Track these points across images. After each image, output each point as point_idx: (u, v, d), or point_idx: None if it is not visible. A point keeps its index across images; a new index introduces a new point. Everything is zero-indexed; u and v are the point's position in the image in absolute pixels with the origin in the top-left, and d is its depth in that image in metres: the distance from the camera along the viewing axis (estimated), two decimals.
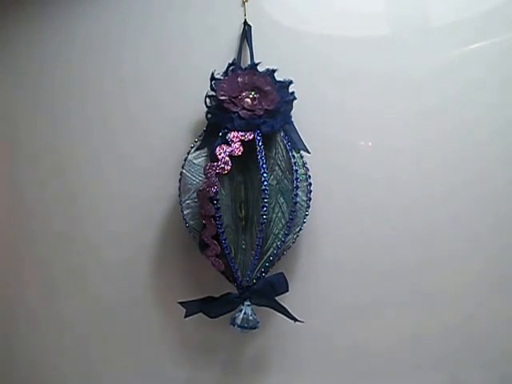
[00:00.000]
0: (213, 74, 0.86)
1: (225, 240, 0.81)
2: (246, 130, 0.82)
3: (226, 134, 0.82)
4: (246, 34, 0.91)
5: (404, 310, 0.88)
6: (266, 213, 0.80)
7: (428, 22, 0.91)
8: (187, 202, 0.84)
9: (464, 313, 0.87)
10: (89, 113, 1.01)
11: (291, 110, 0.86)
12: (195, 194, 0.82)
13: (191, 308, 0.85)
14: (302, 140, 0.86)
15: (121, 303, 0.96)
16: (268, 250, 0.82)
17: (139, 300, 0.95)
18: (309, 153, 0.85)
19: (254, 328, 0.82)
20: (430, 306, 0.87)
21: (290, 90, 0.86)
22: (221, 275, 0.84)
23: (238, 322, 0.81)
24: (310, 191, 0.84)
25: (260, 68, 0.87)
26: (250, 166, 0.84)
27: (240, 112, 0.83)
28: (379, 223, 0.89)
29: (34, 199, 1.03)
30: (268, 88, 0.84)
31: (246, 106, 0.83)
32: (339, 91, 0.91)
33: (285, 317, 0.84)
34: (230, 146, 0.81)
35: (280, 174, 0.83)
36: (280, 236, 0.82)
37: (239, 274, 0.82)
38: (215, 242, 0.81)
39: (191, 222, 0.84)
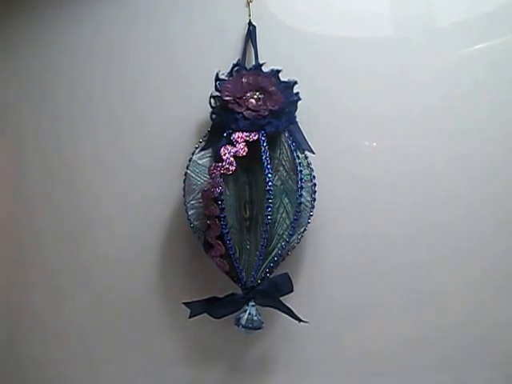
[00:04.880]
0: (217, 74, 0.86)
1: (229, 240, 0.81)
2: (250, 131, 0.82)
3: (230, 134, 0.82)
4: (251, 34, 0.92)
5: (409, 310, 0.88)
6: (270, 213, 0.80)
7: (433, 23, 0.91)
8: (192, 202, 0.84)
9: (469, 313, 0.87)
10: (93, 113, 1.01)
11: (296, 110, 0.86)
12: (200, 194, 0.82)
13: (196, 308, 0.85)
14: (306, 140, 0.86)
15: (125, 303, 0.96)
16: (272, 250, 0.82)
17: (144, 300, 0.95)
18: (313, 153, 0.85)
19: (259, 328, 0.82)
20: (434, 307, 0.87)
21: (295, 91, 0.86)
22: (225, 276, 0.84)
23: (243, 322, 0.81)
24: (315, 192, 0.84)
25: (264, 68, 0.87)
26: (255, 167, 0.84)
27: (244, 112, 0.83)
28: (384, 223, 0.89)
29: (38, 200, 1.03)
30: (272, 88, 0.84)
31: (250, 106, 0.83)
32: (344, 91, 0.91)
33: (289, 317, 0.83)
34: (234, 146, 0.81)
35: (284, 174, 0.83)
36: (284, 236, 0.82)
37: (244, 274, 0.82)
38: (220, 242, 0.81)
39: (196, 223, 0.84)
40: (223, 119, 0.84)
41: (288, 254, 0.85)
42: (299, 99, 0.86)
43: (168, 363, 0.94)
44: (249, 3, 0.93)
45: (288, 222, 0.82)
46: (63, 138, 1.02)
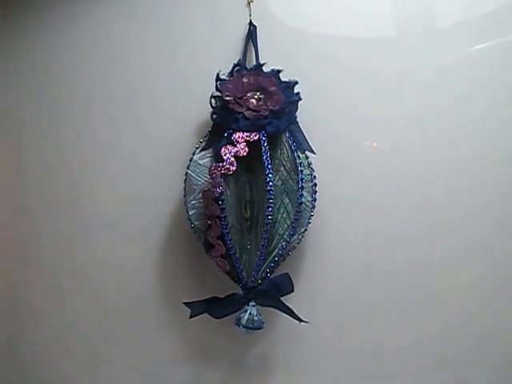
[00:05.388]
0: (218, 74, 0.86)
1: (230, 240, 0.81)
2: (251, 131, 0.82)
3: (231, 134, 0.82)
4: (251, 34, 0.92)
5: (409, 310, 0.88)
6: (271, 213, 0.80)
7: (433, 23, 0.91)
8: (192, 202, 0.84)
9: (468, 314, 0.87)
10: (94, 113, 1.01)
11: (296, 110, 0.86)
12: (200, 194, 0.82)
13: (196, 308, 0.85)
14: (307, 140, 0.86)
15: (125, 304, 0.96)
16: (273, 250, 0.82)
17: (144, 300, 0.95)
18: (314, 153, 0.85)
19: (259, 328, 0.82)
20: (435, 307, 0.87)
21: (295, 91, 0.86)
22: (226, 276, 0.84)
23: (243, 322, 0.81)
24: (315, 192, 0.84)
25: (265, 68, 0.87)
26: (255, 167, 0.84)
27: (245, 112, 0.83)
28: (384, 224, 0.89)
29: (38, 200, 1.03)
30: (273, 88, 0.84)
31: (251, 106, 0.83)
32: (344, 92, 0.91)
33: (290, 317, 0.83)
34: (235, 146, 0.81)
35: (285, 174, 0.83)
36: (285, 236, 0.82)
37: (244, 274, 0.82)
38: (220, 242, 0.81)
39: (196, 223, 0.84)
40: (224, 119, 0.85)
41: (289, 254, 0.85)
42: (300, 99, 0.86)
43: (168, 363, 0.94)
44: (249, 3, 0.93)
45: (289, 222, 0.82)
46: (63, 138, 1.02)
